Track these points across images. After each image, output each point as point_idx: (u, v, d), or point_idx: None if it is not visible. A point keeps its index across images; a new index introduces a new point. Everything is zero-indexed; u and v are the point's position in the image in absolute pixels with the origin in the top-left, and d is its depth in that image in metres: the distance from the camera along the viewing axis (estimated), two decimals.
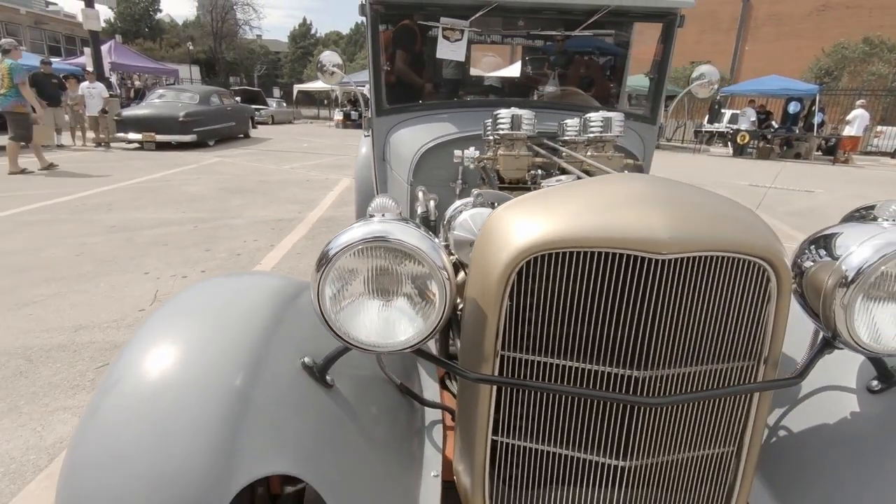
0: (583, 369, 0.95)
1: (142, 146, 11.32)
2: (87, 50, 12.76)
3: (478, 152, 1.63)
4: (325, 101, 31.19)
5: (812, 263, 0.99)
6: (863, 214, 1.00)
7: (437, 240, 0.96)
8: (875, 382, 1.12)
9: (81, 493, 0.82)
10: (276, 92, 31.86)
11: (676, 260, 0.86)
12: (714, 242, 0.86)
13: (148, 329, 1.02)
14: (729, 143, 16.52)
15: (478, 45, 3.03)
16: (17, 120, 7.65)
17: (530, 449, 1.02)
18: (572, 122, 1.73)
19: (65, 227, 4.88)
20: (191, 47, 33.13)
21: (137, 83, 20.14)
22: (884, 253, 0.90)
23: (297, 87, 27.66)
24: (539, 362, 0.96)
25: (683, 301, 0.90)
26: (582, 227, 0.87)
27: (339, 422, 1.08)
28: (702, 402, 0.98)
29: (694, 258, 0.87)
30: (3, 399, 2.14)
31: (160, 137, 11.24)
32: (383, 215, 0.92)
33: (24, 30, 29.94)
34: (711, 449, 1.03)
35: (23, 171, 7.82)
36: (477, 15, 2.26)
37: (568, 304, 0.92)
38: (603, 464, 1.00)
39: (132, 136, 11.23)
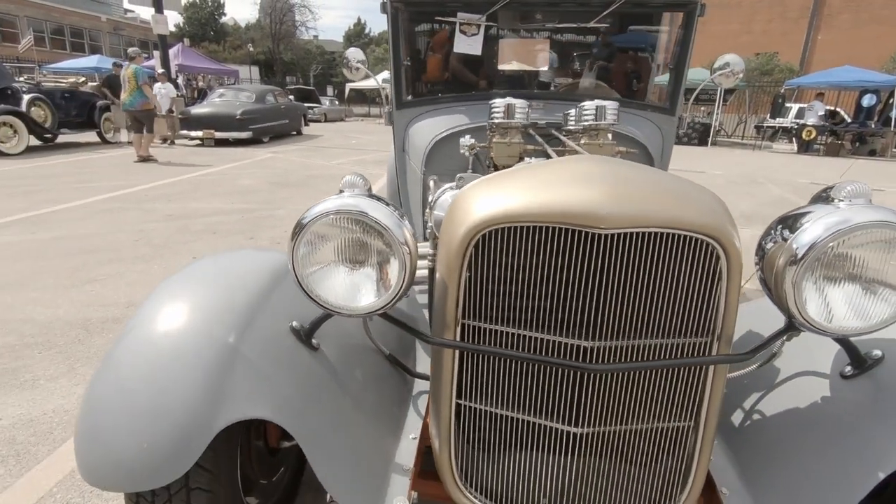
0: (537, 338, 1.01)
1: (202, 143, 12.05)
2: (157, 53, 13.66)
3: (473, 140, 1.71)
4: (377, 99, 31.85)
5: (772, 244, 1.01)
6: (823, 196, 1.00)
7: (402, 217, 1.05)
8: (848, 368, 1.11)
9: (94, 422, 0.98)
10: (330, 90, 32.83)
11: (618, 235, 0.91)
12: (653, 218, 0.90)
13: (159, 291, 1.17)
14: (794, 140, 15.57)
15: (505, 40, 3.08)
16: (144, 116, 8.98)
17: (490, 413, 1.10)
18: (574, 112, 1.77)
19: (129, 214, 5.33)
20: (251, 49, 34.80)
21: (201, 84, 21.35)
22: (832, 231, 0.91)
23: (348, 86, 28.42)
24: (496, 330, 1.03)
25: (630, 275, 0.94)
26: (529, 204, 0.94)
27: (322, 381, 1.20)
28: (653, 374, 1.02)
29: (637, 234, 0.92)
30: (63, 362, 2.42)
31: (219, 134, 11.93)
32: (353, 191, 1.02)
33: (104, 35, 32.40)
34: (667, 422, 1.06)
35: (147, 159, 8.97)
36: (493, 9, 2.32)
37: (522, 277, 0.99)
38: (558, 430, 1.06)
39: (194, 133, 11.98)
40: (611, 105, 1.59)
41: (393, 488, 1.18)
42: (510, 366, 1.05)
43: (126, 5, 35.14)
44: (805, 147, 14.53)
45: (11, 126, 9.36)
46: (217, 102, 12.85)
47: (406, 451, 1.27)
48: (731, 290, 0.96)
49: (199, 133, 11.99)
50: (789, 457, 1.11)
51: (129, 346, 1.05)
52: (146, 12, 13.88)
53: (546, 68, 2.62)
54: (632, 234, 0.91)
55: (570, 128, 1.78)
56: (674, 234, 0.93)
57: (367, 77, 2.53)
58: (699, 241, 0.94)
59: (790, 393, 1.20)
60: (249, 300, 1.17)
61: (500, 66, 2.83)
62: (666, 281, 0.96)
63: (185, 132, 12.08)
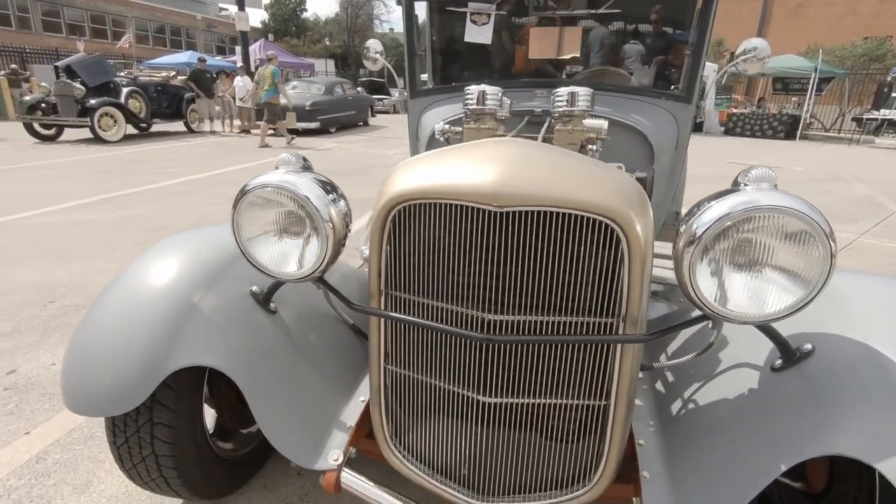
0: (448, 309, 1.08)
1: (275, 132, 12.81)
2: (238, 48, 14.63)
3: (447, 126, 1.77)
4: None
5: (682, 228, 1.00)
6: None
7: (337, 196, 1.15)
8: (778, 361, 1.08)
9: (75, 360, 1.18)
10: (401, 82, 33.44)
11: (513, 213, 0.95)
12: (547, 198, 0.94)
13: (144, 255, 1.36)
14: None
15: (528, 26, 3.07)
16: (271, 109, 10.46)
17: (413, 378, 1.18)
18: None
19: (197, 197, 5.85)
20: (327, 42, 36.22)
21: (281, 77, 22.57)
22: (728, 212, 0.90)
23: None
24: (413, 301, 1.11)
25: (530, 253, 0.98)
26: (434, 181, 1.01)
27: (275, 340, 1.34)
28: (558, 350, 1.05)
29: (533, 212, 0.95)
30: None
31: (262, 126, 12.61)
32: (287, 168, 1.13)
33: (198, 33, 35.05)
34: (578, 399, 1.09)
35: (267, 146, 10.30)
36: None
37: (434, 251, 1.05)
38: (471, 398, 1.12)
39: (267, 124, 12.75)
40: (583, 91, 1.59)
41: (332, 442, 1.30)
42: (425, 335, 1.12)
43: (221, 3, 37.77)
44: None
45: (112, 116, 10.49)
46: (290, 94, 13.57)
47: (352, 411, 1.38)
48: (633, 273, 0.98)
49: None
50: (713, 444, 1.10)
51: (108, 300, 1.24)
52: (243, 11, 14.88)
53: (555, 56, 2.60)
54: (528, 212, 0.95)
55: (555, 114, 1.78)
56: (572, 215, 0.95)
57: (384, 68, 2.64)
58: (598, 223, 0.96)
59: (724, 383, 1.18)
60: (216, 266, 1.33)
61: (491, 55, 2.82)
62: (569, 260, 0.99)
63: (260, 123, 12.88)
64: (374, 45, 2.63)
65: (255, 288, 1.35)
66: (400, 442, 1.25)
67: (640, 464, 1.18)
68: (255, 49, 19.22)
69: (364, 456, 1.33)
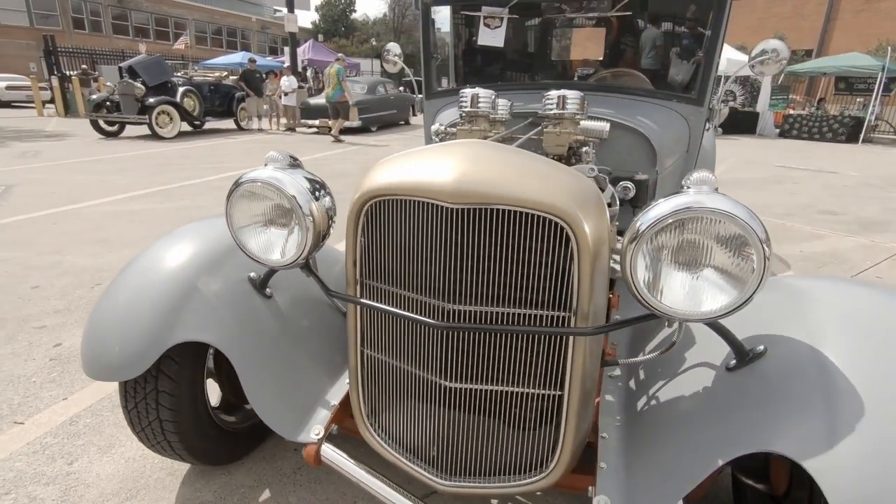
0: (413, 298, 1.16)
1: (318, 131, 13.24)
2: (287, 49, 15.16)
3: (443, 127, 1.84)
4: None
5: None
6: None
7: (319, 191, 1.25)
8: (733, 361, 1.11)
9: (92, 331, 1.33)
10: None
11: (467, 209, 1.02)
12: (498, 196, 1.01)
13: (158, 241, 1.51)
14: None
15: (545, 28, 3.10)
16: (340, 107, 11.29)
17: (385, 362, 1.27)
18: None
19: None
20: (374, 43, 36.91)
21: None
22: (669, 211, 0.94)
23: None
24: (383, 289, 1.20)
25: (485, 247, 1.05)
26: (399, 179, 1.09)
27: (268, 322, 1.46)
28: (512, 339, 1.11)
29: (487, 209, 1.02)
30: None
31: (332, 123, 12.99)
32: (274, 165, 1.25)
33: (253, 34, 36.46)
34: (533, 388, 1.15)
35: (339, 140, 11.19)
36: (514, 1, 2.40)
37: (401, 243, 1.14)
38: (434, 382, 1.20)
39: (311, 122, 13.19)
40: (572, 94, 1.62)
41: (315, 418, 1.41)
42: (395, 321, 1.21)
43: (275, 5, 39.13)
44: None
45: (168, 114, 11.13)
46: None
47: (337, 391, 1.49)
48: (582, 270, 1.03)
49: (316, 122, 13.17)
50: (666, 438, 1.14)
51: (122, 280, 1.40)
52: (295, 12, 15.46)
53: (570, 57, 2.63)
54: (482, 209, 1.02)
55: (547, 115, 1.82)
56: (522, 213, 1.02)
57: (402, 70, 2.75)
58: (548, 221, 1.02)
59: (684, 381, 1.21)
60: (219, 253, 1.47)
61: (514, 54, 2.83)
62: (522, 256, 1.05)
63: (304, 121, 13.35)
64: (393, 48, 2.74)
65: (252, 274, 1.48)
66: (376, 421, 1.35)
67: (599, 455, 1.22)
68: (304, 49, 19.85)
69: (347, 434, 1.43)
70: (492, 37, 2.52)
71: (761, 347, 1.08)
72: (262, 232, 1.27)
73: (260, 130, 13.47)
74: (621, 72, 2.67)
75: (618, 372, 1.49)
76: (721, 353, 1.16)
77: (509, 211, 1.02)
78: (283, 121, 13.95)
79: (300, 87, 13.64)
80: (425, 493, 1.47)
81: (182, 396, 1.42)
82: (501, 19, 2.48)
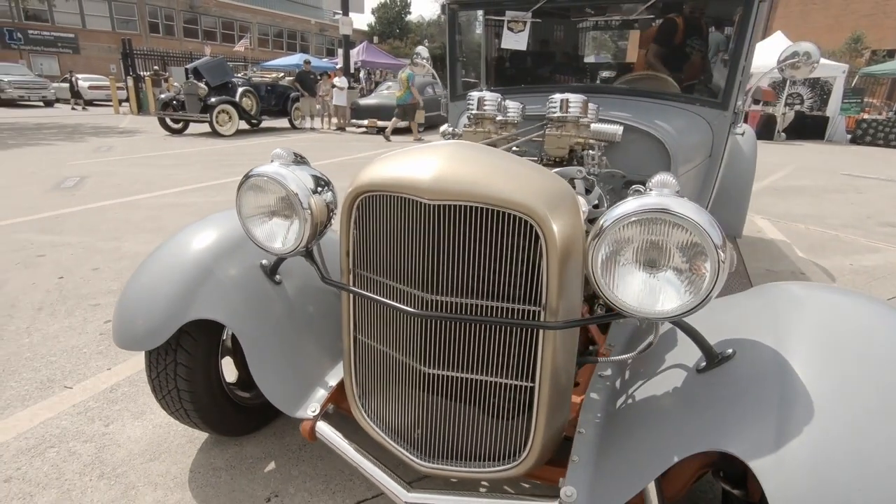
0: (397, 288, 1.24)
1: (367, 130, 13.60)
2: (340, 51, 15.65)
3: (451, 129, 1.91)
4: None
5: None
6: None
7: (322, 187, 1.36)
8: (703, 363, 1.12)
9: (121, 306, 1.49)
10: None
11: (442, 206, 1.09)
12: (471, 194, 1.07)
13: (184, 228, 1.67)
14: None
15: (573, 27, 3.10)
16: (408, 109, 11.87)
17: (374, 347, 1.36)
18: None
19: None
20: (426, 44, 37.43)
21: (379, 77, 23.77)
22: (628, 211, 0.97)
23: None
24: (372, 278, 1.29)
25: (461, 242, 1.12)
26: (385, 176, 1.18)
27: (275, 306, 1.59)
28: (486, 330, 1.17)
29: (461, 206, 1.09)
30: None
31: (380, 123, 13.30)
32: (280, 161, 1.36)
33: (311, 36, 37.78)
34: (506, 378, 1.21)
35: (421, 140, 11.69)
36: (538, 5, 2.43)
37: (387, 236, 1.22)
38: (416, 367, 1.27)
39: (360, 121, 13.58)
40: (574, 98, 1.65)
41: (314, 396, 1.52)
42: (382, 309, 1.29)
43: (334, 9, 40.40)
44: None
45: (227, 113, 11.77)
46: (383, 94, 14.31)
47: (336, 373, 1.59)
48: (551, 267, 1.08)
49: (365, 122, 13.54)
50: (634, 435, 1.17)
51: (148, 263, 1.56)
52: (351, 15, 15.97)
53: (592, 59, 2.63)
54: (456, 206, 1.09)
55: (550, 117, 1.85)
56: (494, 210, 1.08)
57: (429, 72, 2.84)
58: (518, 219, 1.07)
59: (658, 381, 1.23)
60: (235, 241, 1.61)
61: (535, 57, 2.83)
62: (495, 251, 1.11)
63: (354, 121, 13.75)
64: (422, 51, 2.84)
65: (264, 261, 1.61)
66: (366, 403, 1.44)
67: (573, 449, 1.26)
68: (358, 51, 20.38)
69: (346, 414, 1.53)
70: (515, 40, 2.56)
71: (730, 350, 1.09)
72: (266, 222, 1.38)
73: (312, 129, 13.99)
74: (647, 75, 2.64)
75: (608, 372, 1.51)
76: (696, 355, 1.17)
77: (482, 208, 1.08)
78: (334, 120, 14.41)
79: (351, 87, 14.05)
80: (414, 479, 1.55)
81: (197, 370, 1.56)
82: (525, 23, 2.52)
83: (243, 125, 12.48)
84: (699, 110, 2.32)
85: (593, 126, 1.90)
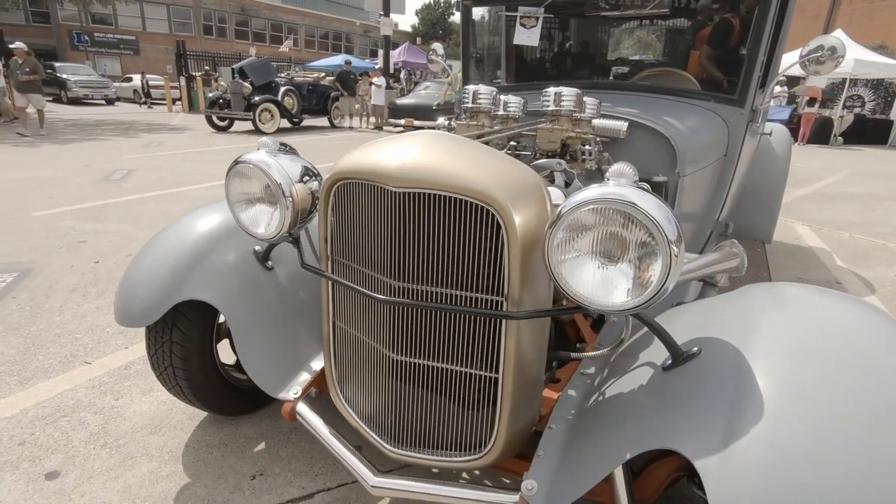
0: (369, 275, 1.27)
1: (404, 130, 13.75)
2: (381, 52, 15.88)
3: (446, 121, 1.91)
4: None
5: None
6: None
7: (309, 175, 1.40)
8: (669, 361, 1.09)
9: (122, 286, 1.57)
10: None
11: (406, 193, 1.11)
12: (434, 182, 1.08)
13: (186, 214, 1.74)
14: None
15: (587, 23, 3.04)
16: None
17: (351, 334, 1.38)
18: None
19: None
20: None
21: (419, 77, 23.98)
22: (585, 199, 0.95)
23: None
24: (347, 265, 1.32)
25: (425, 230, 1.13)
26: (355, 164, 1.20)
27: (266, 290, 1.64)
28: (450, 319, 1.18)
29: (424, 194, 1.10)
30: None
31: (417, 122, 13.43)
32: (265, 149, 1.41)
33: (356, 38, 38.50)
34: (471, 368, 1.21)
35: None
36: (548, 0, 2.41)
37: (359, 223, 1.25)
38: (386, 354, 1.29)
39: (397, 121, 13.74)
40: (567, 92, 1.62)
41: (297, 380, 1.56)
42: (358, 295, 1.32)
43: (376, 10, 41.07)
44: None
45: (269, 111, 12.17)
46: (421, 94, 14.44)
47: (321, 359, 1.63)
48: (512, 257, 1.07)
49: (402, 121, 13.69)
50: (597, 432, 1.15)
51: (150, 245, 1.64)
52: (395, 17, 16.22)
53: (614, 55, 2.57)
54: (419, 193, 1.10)
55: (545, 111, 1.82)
56: (455, 198, 1.08)
57: (443, 69, 2.86)
58: (480, 208, 1.07)
59: (627, 378, 1.20)
60: (231, 227, 1.67)
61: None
62: (460, 240, 1.12)
63: (391, 120, 13.94)
64: (437, 48, 2.86)
65: (257, 247, 1.67)
66: (345, 388, 1.47)
67: (540, 444, 1.25)
68: (399, 52, 20.63)
69: (323, 397, 1.57)
70: (527, 36, 2.54)
71: (695, 349, 1.05)
72: (251, 207, 1.44)
73: (350, 128, 14.27)
74: (665, 71, 2.57)
75: (591, 370, 1.49)
76: (659, 353, 1.14)
77: (445, 196, 1.09)
78: (372, 120, 14.65)
79: (390, 87, 14.24)
80: (390, 469, 1.56)
81: (192, 349, 1.64)
82: (537, 18, 2.50)
83: (285, 123, 12.88)
84: (714, 107, 2.24)
85: (596, 122, 1.86)
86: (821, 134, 13.81)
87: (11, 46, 9.95)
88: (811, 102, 13.74)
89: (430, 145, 1.14)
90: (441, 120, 1.98)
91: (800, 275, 3.67)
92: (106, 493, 1.56)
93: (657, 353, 1.18)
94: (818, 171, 8.61)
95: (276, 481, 1.64)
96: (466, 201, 1.08)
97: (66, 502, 1.52)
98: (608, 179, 0.99)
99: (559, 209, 1.00)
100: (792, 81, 16.39)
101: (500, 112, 1.88)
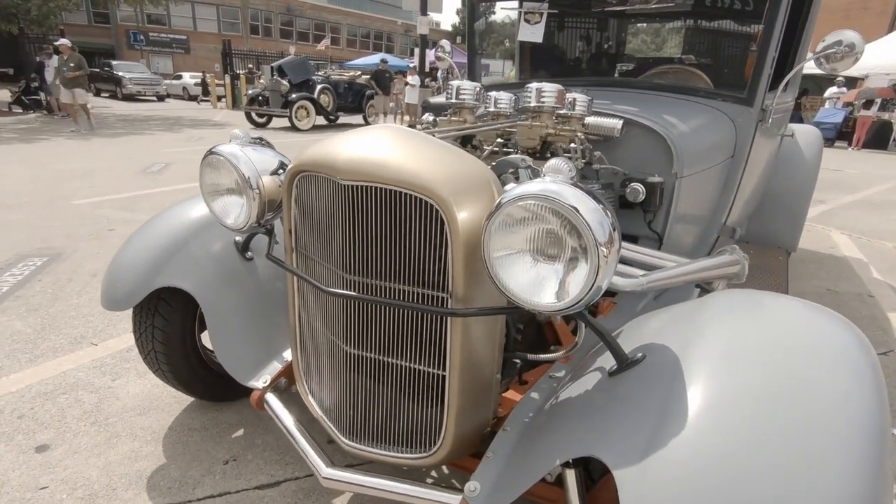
0: (326, 268, 1.27)
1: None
2: (416, 50, 15.97)
3: (432, 117, 1.89)
4: None
5: None
6: None
7: (280, 167, 1.42)
8: (614, 366, 1.05)
9: (109, 272, 1.64)
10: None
11: (353, 186, 1.11)
12: (380, 175, 1.07)
13: (174, 205, 1.80)
14: None
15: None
16: None
17: (310, 323, 1.39)
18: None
19: None
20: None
21: (455, 77, 23.98)
22: (521, 193, 0.92)
23: None
24: (307, 257, 1.33)
25: (373, 224, 1.13)
26: (311, 156, 1.21)
27: (243, 281, 1.68)
28: (398, 314, 1.17)
29: (371, 187, 1.10)
30: None
31: None
32: (235, 141, 1.43)
33: (397, 37, 38.90)
34: (420, 364, 1.20)
35: None
36: None
37: (316, 215, 1.26)
38: (340, 346, 1.29)
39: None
40: (549, 87, 1.58)
41: (267, 369, 1.59)
42: (307, 287, 1.33)
43: (414, 9, 41.33)
44: None
45: (305, 108, 12.46)
46: None
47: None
48: (456, 253, 1.06)
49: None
50: (540, 435, 1.12)
51: (136, 234, 1.70)
52: (436, 16, 16.31)
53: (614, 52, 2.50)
54: (366, 186, 1.10)
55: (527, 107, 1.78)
56: (400, 192, 1.07)
57: (450, 67, 2.84)
58: (423, 203, 1.06)
59: (577, 384, 1.16)
60: (212, 219, 1.71)
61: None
62: (405, 235, 1.11)
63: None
64: (445, 45, 2.85)
65: (238, 238, 1.70)
66: (308, 379, 1.48)
67: (492, 445, 1.22)
68: (436, 50, 20.67)
69: (292, 385, 1.59)
70: (532, 32, 2.50)
71: (640, 355, 1.00)
72: (221, 198, 1.47)
73: None
74: (676, 68, 2.47)
75: (561, 373, 1.45)
76: (608, 358, 1.10)
77: (391, 190, 1.08)
78: (406, 118, 14.76)
79: (425, 86, 14.30)
80: (354, 464, 1.57)
81: (173, 335, 1.69)
82: (541, 15, 2.45)
83: (320, 121, 13.14)
84: (721, 106, 2.14)
85: (590, 120, 1.81)
86: (878, 138, 12.97)
87: (57, 43, 10.40)
88: (867, 105, 12.92)
89: (383, 139, 1.13)
90: (426, 116, 1.97)
91: (827, 286, 3.45)
92: (87, 469, 1.63)
93: (609, 358, 1.14)
94: (868, 178, 8.10)
95: (247, 467, 1.67)
96: (411, 195, 1.07)
97: (48, 474, 1.60)
98: (544, 175, 0.96)
99: (497, 201, 0.98)
100: (850, 82, 15.46)
101: (492, 108, 1.85)
